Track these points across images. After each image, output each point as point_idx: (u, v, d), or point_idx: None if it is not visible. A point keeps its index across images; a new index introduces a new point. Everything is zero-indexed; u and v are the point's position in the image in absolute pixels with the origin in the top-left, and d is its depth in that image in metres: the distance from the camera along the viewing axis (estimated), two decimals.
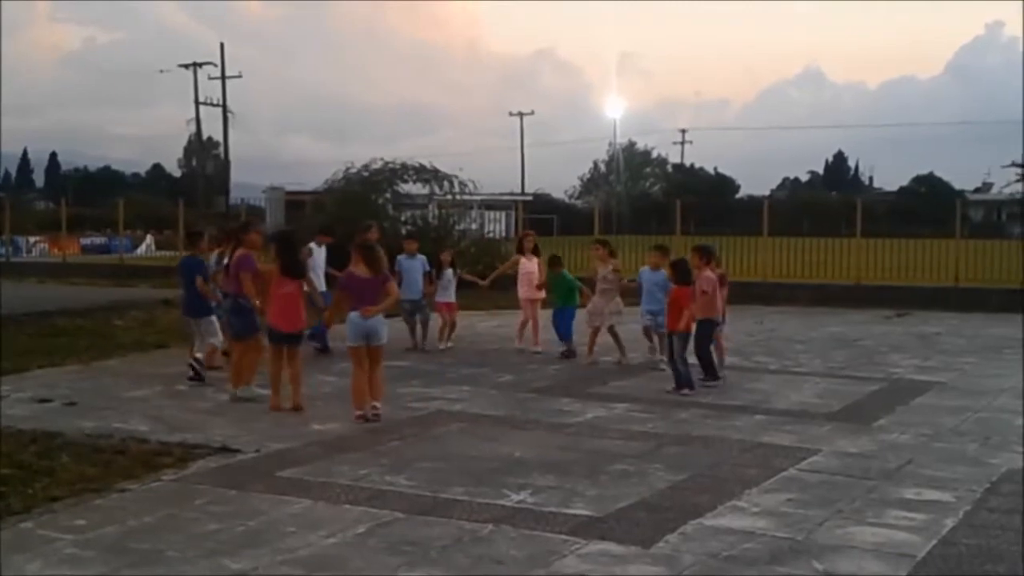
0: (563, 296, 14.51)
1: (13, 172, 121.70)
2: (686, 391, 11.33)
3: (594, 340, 13.90)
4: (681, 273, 11.74)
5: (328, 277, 14.02)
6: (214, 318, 12.13)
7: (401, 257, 14.87)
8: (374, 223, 15.34)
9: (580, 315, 14.41)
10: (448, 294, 15.27)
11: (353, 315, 10.00)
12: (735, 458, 8.45)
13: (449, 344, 15.01)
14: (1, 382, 11.76)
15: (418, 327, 14.96)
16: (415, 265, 14.91)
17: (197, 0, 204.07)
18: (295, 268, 10.60)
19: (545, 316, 15.02)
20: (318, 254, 14.27)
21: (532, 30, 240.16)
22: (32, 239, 44.87)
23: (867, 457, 8.51)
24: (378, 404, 9.92)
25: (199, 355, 12.07)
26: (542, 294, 15.04)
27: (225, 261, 12.30)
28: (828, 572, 5.77)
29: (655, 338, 13.30)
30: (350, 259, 10.30)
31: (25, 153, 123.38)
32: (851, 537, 6.37)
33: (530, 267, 15.20)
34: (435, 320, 15.26)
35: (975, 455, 8.64)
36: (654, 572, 5.78)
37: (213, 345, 12.27)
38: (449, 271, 15.35)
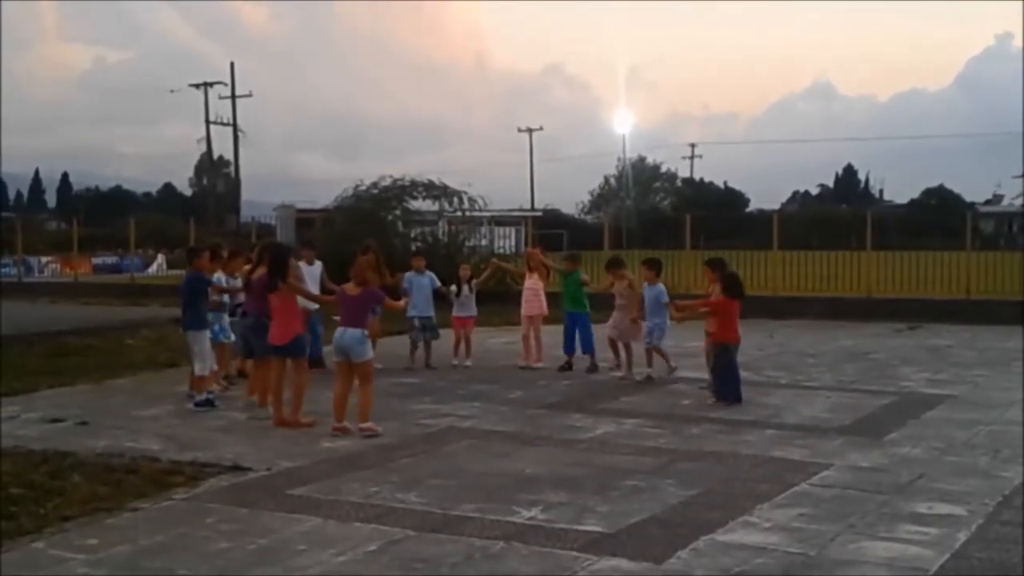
0: (572, 298, 14.51)
1: (25, 192, 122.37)
2: (723, 402, 11.51)
3: (617, 354, 13.92)
4: (732, 286, 11.78)
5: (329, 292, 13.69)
6: (207, 335, 11.68)
7: (409, 274, 14.85)
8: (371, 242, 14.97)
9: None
10: (466, 309, 15.25)
11: (336, 331, 10.15)
12: (747, 473, 8.42)
13: (468, 362, 14.93)
14: (12, 402, 11.82)
15: (421, 345, 14.78)
16: (423, 282, 14.83)
17: (206, 20, 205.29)
18: (270, 281, 10.62)
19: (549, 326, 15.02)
20: (304, 270, 14.02)
21: (540, 46, 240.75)
22: (44, 259, 45.08)
23: (879, 471, 8.48)
24: (365, 424, 9.86)
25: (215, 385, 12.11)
26: (543, 311, 15.15)
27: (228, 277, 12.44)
28: None
29: (663, 355, 13.38)
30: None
31: (37, 173, 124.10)
32: (863, 552, 6.34)
33: (533, 285, 15.25)
34: (448, 336, 15.23)
35: (987, 468, 8.60)
36: None
37: (196, 374, 11.60)
38: (466, 287, 15.31)
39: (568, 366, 14.48)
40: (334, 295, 10.79)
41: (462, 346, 15.10)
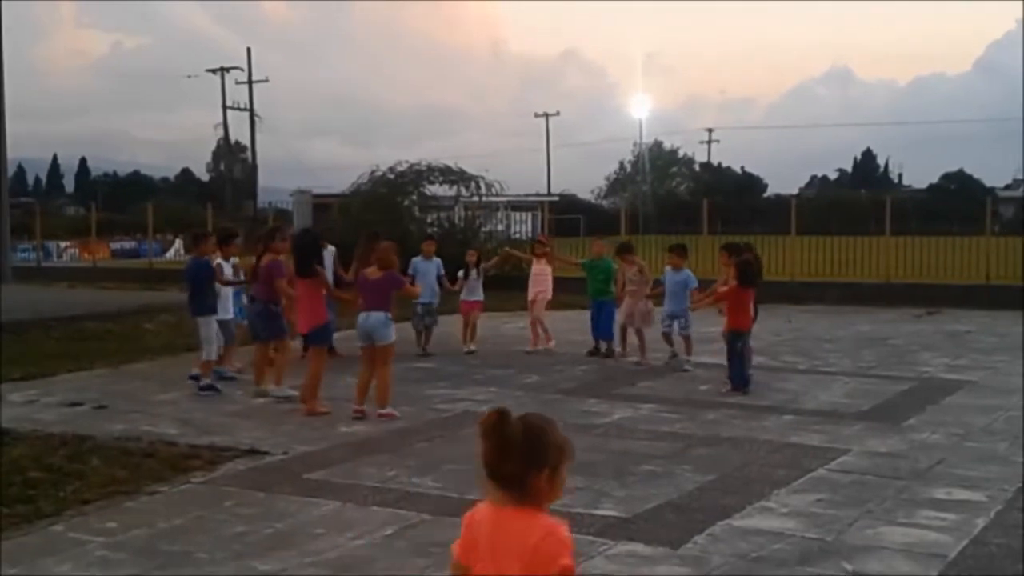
0: (599, 287, 14.49)
1: (43, 178, 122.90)
2: (740, 391, 11.40)
3: (624, 339, 13.98)
4: (745, 274, 11.72)
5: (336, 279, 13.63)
6: (214, 320, 11.66)
7: (416, 259, 14.81)
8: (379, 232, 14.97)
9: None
10: (473, 294, 15.19)
11: (360, 316, 10.12)
12: (764, 459, 8.40)
13: (472, 347, 14.86)
14: (31, 386, 11.89)
15: (423, 331, 14.77)
16: (430, 268, 14.77)
17: (223, 3, 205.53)
18: (304, 268, 10.61)
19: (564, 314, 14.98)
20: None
21: (557, 31, 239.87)
22: (63, 244, 45.30)
23: (897, 457, 8.45)
24: (383, 411, 9.92)
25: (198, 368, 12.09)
26: (547, 295, 15.14)
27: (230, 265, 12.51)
28: (858, 573, 5.73)
29: (677, 343, 13.30)
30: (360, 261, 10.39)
31: (55, 159, 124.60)
32: (881, 537, 6.32)
33: (541, 270, 15.24)
34: (456, 322, 15.22)
35: (1006, 454, 8.56)
36: (682, 573, 5.75)
37: (204, 360, 11.51)
38: (474, 271, 15.30)
39: (596, 350, 14.43)
40: (348, 288, 10.78)
41: (468, 330, 15.09)
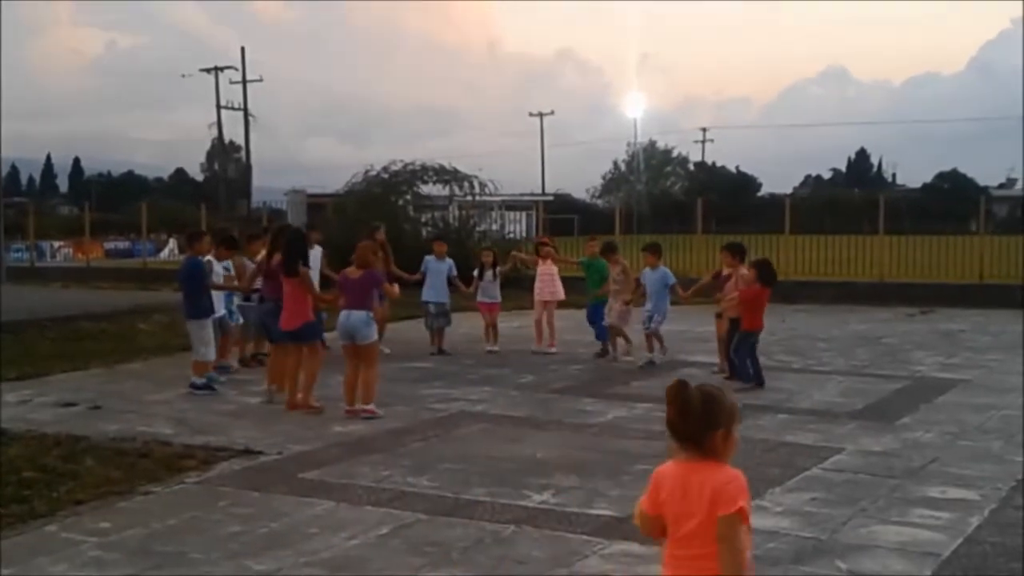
0: (596, 287, 14.49)
1: (37, 178, 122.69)
2: (740, 379, 11.46)
3: (615, 341, 14.02)
4: (767, 274, 11.73)
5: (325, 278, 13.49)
6: (209, 323, 11.60)
7: (429, 258, 14.85)
8: (381, 224, 15.06)
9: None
10: (490, 295, 15.18)
11: (341, 315, 10.14)
12: (758, 457, 8.40)
13: (495, 348, 14.82)
14: (25, 386, 11.87)
15: (437, 332, 14.80)
16: (441, 268, 14.83)
17: (218, 2, 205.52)
18: (290, 267, 10.58)
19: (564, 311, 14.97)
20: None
21: (552, 31, 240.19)
22: (56, 244, 45.23)
23: (891, 455, 8.46)
24: (368, 407, 9.94)
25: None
26: (558, 296, 15.10)
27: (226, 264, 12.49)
28: (852, 571, 5.74)
29: (658, 339, 13.39)
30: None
31: (49, 158, 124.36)
32: (875, 536, 6.33)
33: (547, 270, 15.21)
34: (476, 321, 15.20)
35: (1000, 453, 8.57)
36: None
37: (197, 362, 11.44)
38: (490, 272, 15.25)
39: (604, 353, 14.38)
40: (332, 293, 10.78)
41: (490, 330, 15.08)
